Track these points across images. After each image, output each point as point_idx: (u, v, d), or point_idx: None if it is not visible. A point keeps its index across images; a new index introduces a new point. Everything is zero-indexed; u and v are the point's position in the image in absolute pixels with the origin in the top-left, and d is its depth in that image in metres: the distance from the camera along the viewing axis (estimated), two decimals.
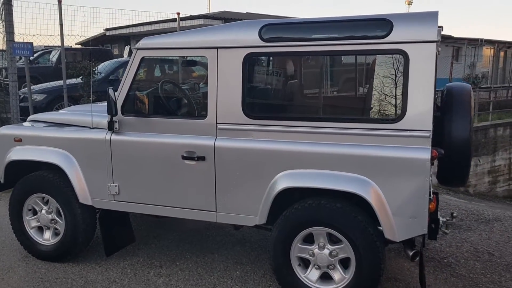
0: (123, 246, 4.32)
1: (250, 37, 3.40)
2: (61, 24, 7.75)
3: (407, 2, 34.64)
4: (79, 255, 4.23)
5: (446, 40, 21.39)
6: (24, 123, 4.53)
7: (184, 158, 3.59)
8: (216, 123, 3.52)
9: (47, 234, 4.20)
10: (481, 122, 14.45)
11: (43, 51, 17.48)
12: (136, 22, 16.17)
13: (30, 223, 4.23)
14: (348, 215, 3.21)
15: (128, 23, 15.58)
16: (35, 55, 16.22)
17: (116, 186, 3.85)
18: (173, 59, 4.46)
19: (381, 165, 3.11)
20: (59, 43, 7.94)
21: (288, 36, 3.34)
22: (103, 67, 10.88)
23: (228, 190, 3.54)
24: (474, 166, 13.46)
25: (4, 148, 4.20)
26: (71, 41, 11.09)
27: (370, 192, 3.13)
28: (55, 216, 4.12)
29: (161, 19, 16.78)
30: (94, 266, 4.12)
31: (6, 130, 4.25)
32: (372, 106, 3.37)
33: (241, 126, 3.46)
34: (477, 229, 5.11)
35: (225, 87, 3.48)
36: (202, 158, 3.54)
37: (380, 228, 3.15)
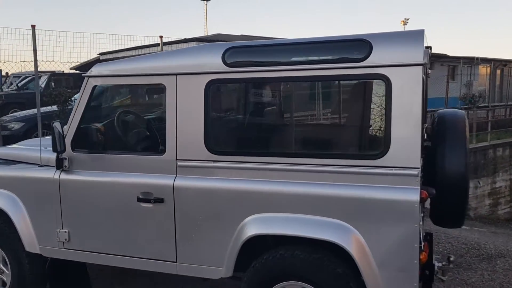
0: None
1: (212, 61, 2.98)
2: (34, 50, 7.38)
3: (402, 22, 34.42)
4: None
5: (441, 59, 21.12)
6: None
7: (140, 200, 3.13)
8: (176, 159, 3.08)
9: None
10: (480, 143, 14.01)
11: (32, 76, 17.17)
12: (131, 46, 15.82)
13: None
14: (326, 267, 2.74)
15: (124, 47, 15.23)
16: (24, 81, 15.90)
17: (65, 232, 3.38)
18: (135, 87, 4.03)
19: (363, 208, 2.65)
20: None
21: (254, 60, 2.93)
22: None
23: (190, 238, 3.07)
24: (474, 189, 12.96)
25: None
26: (65, 66, 10.65)
27: (351, 240, 2.67)
28: (0, 265, 3.64)
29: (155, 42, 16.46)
30: None
31: None
32: (351, 140, 2.94)
33: (203, 163, 3.01)
34: (478, 268, 4.61)
35: (186, 119, 3.05)
36: (160, 200, 3.08)
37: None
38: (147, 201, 3.11)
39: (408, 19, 35.23)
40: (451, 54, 22.23)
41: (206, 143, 2.99)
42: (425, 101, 3.08)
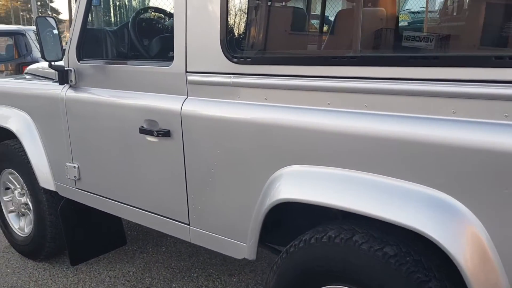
0: (100, 253, 3.10)
1: None
2: None
3: None
4: (56, 255, 3.15)
5: None
6: (17, 76, 3.57)
7: (143, 131, 2.15)
8: (186, 72, 1.98)
9: (22, 222, 3.21)
10: None
11: None
12: None
13: (7, 205, 3.29)
14: (410, 274, 1.43)
15: None
16: None
17: (75, 167, 2.61)
18: None
19: (499, 175, 1.26)
20: None
21: None
22: None
23: (203, 191, 2.01)
24: None
25: None
26: None
27: (464, 237, 1.31)
28: (27, 200, 3.10)
29: None
30: (67, 273, 3.00)
31: None
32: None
33: (220, 78, 1.87)
34: None
35: (197, 11, 1.91)
36: (165, 133, 2.05)
37: None
38: (150, 133, 2.11)
39: None
40: None
41: (223, 46, 1.83)
42: None
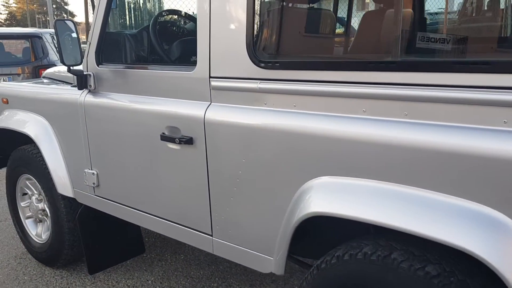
0: (119, 261, 3.04)
1: None
2: None
3: None
4: (73, 263, 3.10)
5: None
6: (33, 80, 3.53)
7: (164, 139, 2.07)
8: (209, 77, 1.90)
9: (40, 228, 3.16)
10: None
11: None
12: None
13: (25, 211, 3.25)
14: None
15: None
16: None
17: (94, 174, 2.54)
18: None
19: None
20: None
21: None
22: None
23: (227, 201, 1.93)
24: None
25: None
26: None
27: None
28: (45, 206, 3.05)
29: None
30: (84, 281, 2.94)
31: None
32: None
33: (246, 83, 1.78)
34: None
35: (222, 12, 1.83)
36: (188, 140, 1.97)
37: None
38: (172, 140, 2.03)
39: None
40: None
41: (249, 50, 1.74)
42: None
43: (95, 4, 2.32)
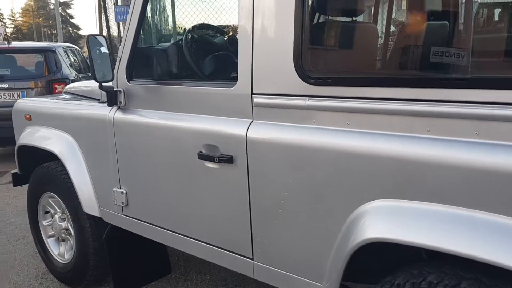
0: (146, 282, 2.93)
1: None
2: None
3: None
4: (98, 284, 2.99)
5: None
6: (54, 95, 3.47)
7: (202, 157, 1.99)
8: (252, 93, 1.83)
9: (62, 247, 3.07)
10: None
11: None
12: None
13: (47, 230, 3.16)
14: None
15: None
16: None
17: (123, 193, 2.46)
18: None
19: None
20: None
21: None
22: None
23: (271, 223, 1.84)
24: None
25: (18, 128, 3.17)
26: None
27: None
28: (68, 225, 2.96)
29: None
30: None
31: (21, 104, 3.20)
32: None
33: (293, 100, 1.70)
34: None
35: (266, 25, 1.76)
36: (228, 159, 1.89)
37: None
38: (211, 159, 1.95)
39: None
40: None
41: (297, 65, 1.67)
42: None
43: (129, 15, 2.26)
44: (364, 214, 1.53)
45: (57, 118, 2.79)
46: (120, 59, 2.34)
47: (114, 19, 6.45)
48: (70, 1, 64.64)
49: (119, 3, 6.99)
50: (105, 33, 8.44)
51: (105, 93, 2.39)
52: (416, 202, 1.42)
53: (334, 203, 1.62)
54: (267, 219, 1.84)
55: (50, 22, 66.92)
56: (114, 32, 8.06)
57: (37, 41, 49.19)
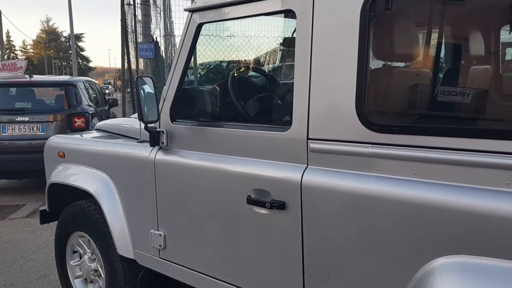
0: None
1: None
2: None
3: None
4: None
5: None
6: (86, 132, 3.45)
7: (250, 202, 1.94)
8: (307, 139, 1.79)
9: None
10: None
11: None
12: None
13: (74, 270, 3.08)
14: None
15: None
16: None
17: (161, 235, 2.40)
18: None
19: None
20: None
21: None
22: None
23: (327, 274, 1.76)
24: None
25: (50, 164, 3.14)
26: None
27: None
28: (98, 266, 2.88)
29: None
30: None
31: (54, 141, 3.18)
32: None
33: (355, 147, 1.66)
34: None
35: (325, 67, 1.73)
36: (280, 205, 1.84)
37: None
38: (261, 204, 1.89)
39: None
40: None
41: (359, 111, 1.63)
42: None
43: (176, 55, 2.25)
44: (434, 271, 1.46)
45: (93, 157, 2.76)
46: (164, 99, 2.33)
47: (136, 55, 6.57)
48: (82, 34, 66.09)
49: (140, 40, 7.11)
50: (126, 66, 8.61)
51: (146, 132, 2.37)
52: (492, 259, 1.36)
53: (399, 257, 1.55)
54: (322, 270, 1.77)
55: (61, 54, 68.23)
56: (133, 65, 8.20)
57: (48, 72, 50.00)
